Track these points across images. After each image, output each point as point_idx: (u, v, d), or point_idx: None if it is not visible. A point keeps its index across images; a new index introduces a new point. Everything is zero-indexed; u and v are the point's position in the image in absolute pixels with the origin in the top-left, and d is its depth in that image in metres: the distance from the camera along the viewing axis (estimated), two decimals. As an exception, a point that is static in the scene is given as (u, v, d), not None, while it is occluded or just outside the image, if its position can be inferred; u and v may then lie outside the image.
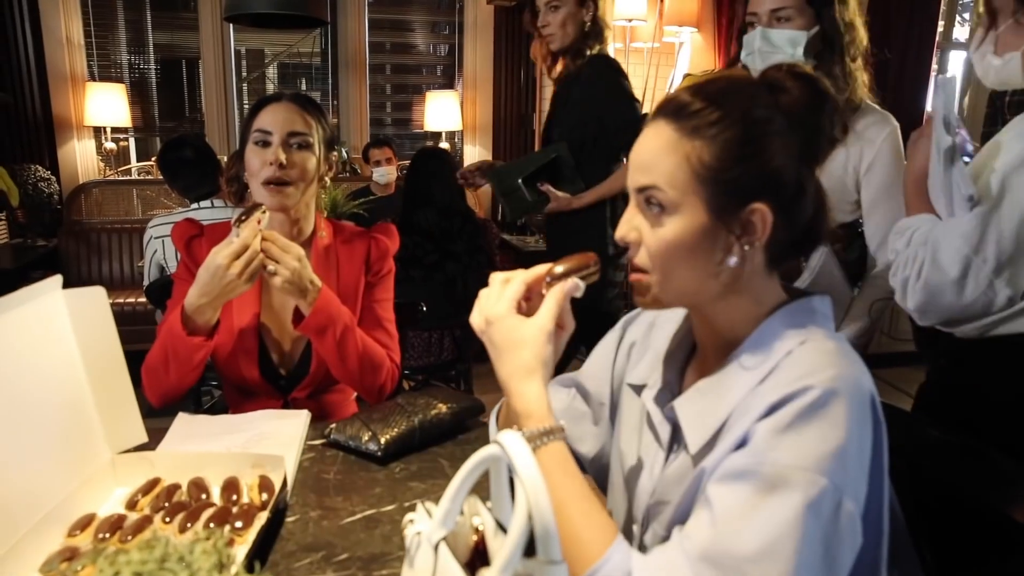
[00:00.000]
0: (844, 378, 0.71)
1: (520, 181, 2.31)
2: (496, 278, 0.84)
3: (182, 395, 1.34)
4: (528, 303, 0.83)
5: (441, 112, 4.58)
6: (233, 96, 4.42)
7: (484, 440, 1.26)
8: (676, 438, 0.86)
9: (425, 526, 0.67)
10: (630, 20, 3.87)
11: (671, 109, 0.78)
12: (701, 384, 0.82)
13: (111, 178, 4.22)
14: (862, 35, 1.53)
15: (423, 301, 1.92)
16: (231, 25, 4.18)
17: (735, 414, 0.76)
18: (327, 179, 1.48)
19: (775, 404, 0.71)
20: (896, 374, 2.90)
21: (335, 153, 1.51)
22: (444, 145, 4.67)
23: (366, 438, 1.18)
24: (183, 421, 1.29)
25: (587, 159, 2.32)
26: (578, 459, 0.93)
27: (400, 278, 1.67)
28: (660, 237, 0.78)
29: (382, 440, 1.17)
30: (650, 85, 4.00)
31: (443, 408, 1.27)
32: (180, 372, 1.29)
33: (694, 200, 0.76)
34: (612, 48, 3.82)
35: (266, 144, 1.36)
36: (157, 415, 1.25)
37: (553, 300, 0.81)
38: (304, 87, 5.01)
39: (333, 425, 1.24)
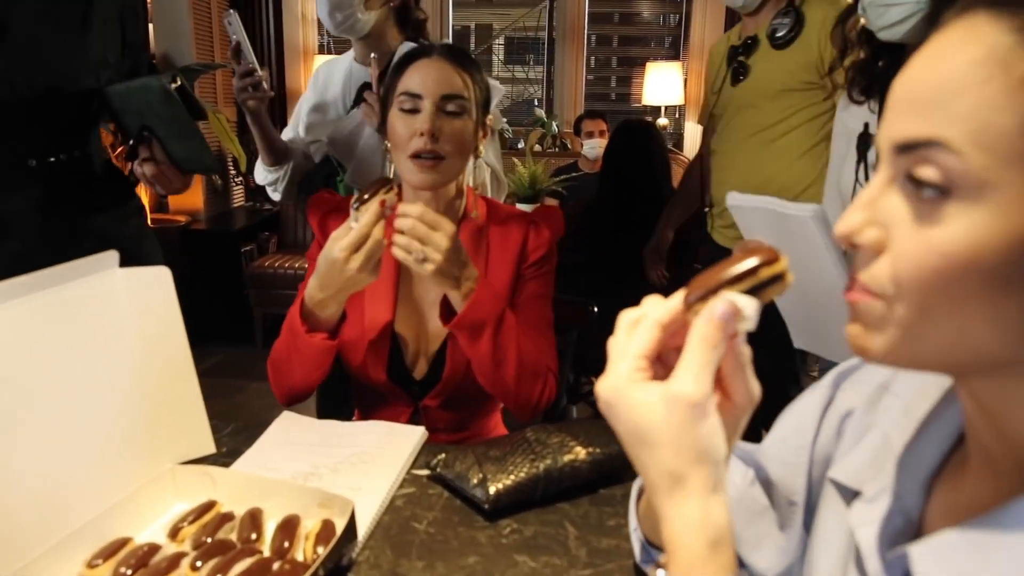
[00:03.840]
0: None
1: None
2: (623, 320, 0.50)
3: (309, 394, 1.18)
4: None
5: (662, 86, 4.20)
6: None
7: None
8: None
9: None
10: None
11: None
12: (970, 526, 0.42)
13: (330, 149, 4.41)
14: None
15: (595, 303, 1.59)
16: (450, 2, 4.18)
17: None
18: (481, 148, 1.22)
19: None
20: None
21: (491, 116, 1.24)
22: (663, 121, 4.26)
23: (474, 481, 0.91)
24: (285, 422, 1.11)
25: None
26: None
27: (579, 269, 1.37)
28: (931, 245, 0.40)
29: (491, 489, 0.89)
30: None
31: (581, 454, 0.96)
32: (303, 371, 1.12)
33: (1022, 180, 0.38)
34: None
35: (414, 110, 1.13)
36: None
37: (697, 344, 0.45)
38: (531, 61, 5.04)
39: (443, 456, 0.99)
